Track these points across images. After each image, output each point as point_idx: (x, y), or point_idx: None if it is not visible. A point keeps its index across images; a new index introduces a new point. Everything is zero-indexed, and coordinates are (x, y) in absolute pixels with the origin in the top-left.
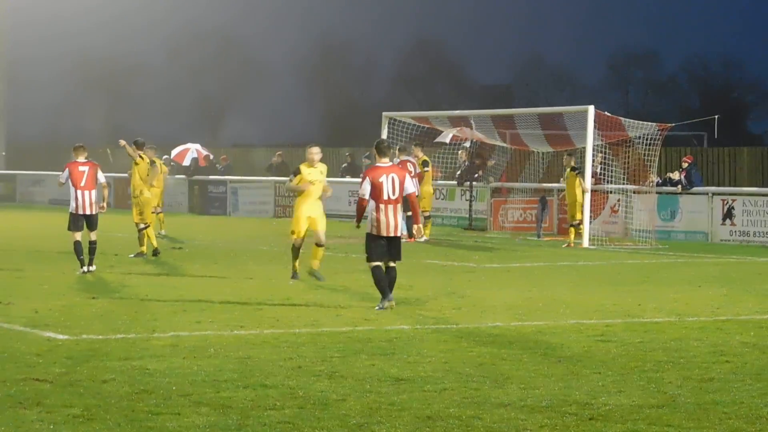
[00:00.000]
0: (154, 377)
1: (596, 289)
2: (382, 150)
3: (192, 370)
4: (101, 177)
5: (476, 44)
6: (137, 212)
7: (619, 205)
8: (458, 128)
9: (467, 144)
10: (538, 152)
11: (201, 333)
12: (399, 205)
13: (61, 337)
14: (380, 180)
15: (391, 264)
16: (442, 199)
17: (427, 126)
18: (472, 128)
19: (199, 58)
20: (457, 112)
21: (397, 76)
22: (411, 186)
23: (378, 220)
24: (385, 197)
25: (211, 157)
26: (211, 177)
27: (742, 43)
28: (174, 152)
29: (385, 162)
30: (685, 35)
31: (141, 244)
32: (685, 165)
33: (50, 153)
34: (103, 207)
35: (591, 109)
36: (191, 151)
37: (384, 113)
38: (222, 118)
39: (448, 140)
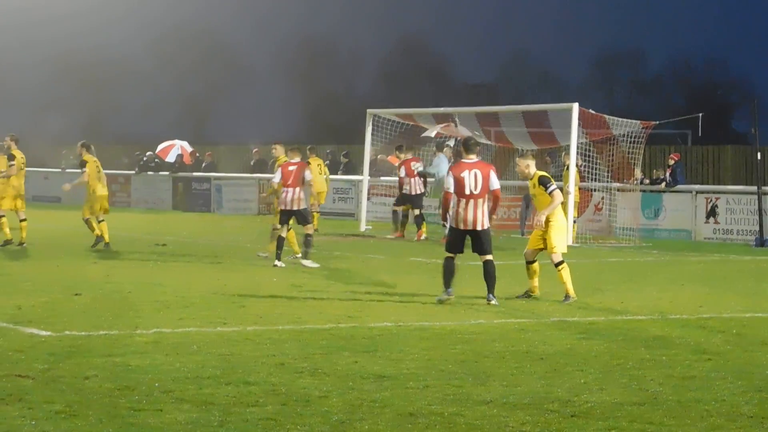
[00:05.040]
0: (137, 374)
1: (579, 286)
2: (468, 147)
3: (174, 366)
4: (308, 175)
5: (461, 42)
6: None
7: (603, 203)
8: (444, 124)
9: (451, 142)
10: (522, 150)
11: (184, 330)
12: (482, 200)
13: (43, 333)
14: (462, 175)
15: (486, 258)
16: (426, 197)
17: (411, 123)
18: (456, 125)
19: (185, 57)
20: (441, 110)
21: (381, 73)
22: (496, 182)
23: (457, 214)
24: (467, 192)
25: (197, 154)
26: (195, 174)
27: (726, 42)
28: (159, 148)
29: (471, 158)
30: (669, 34)
31: None
32: (671, 162)
33: (33, 150)
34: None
35: (575, 106)
36: (176, 147)
37: (368, 110)
38: (207, 115)
39: (433, 135)
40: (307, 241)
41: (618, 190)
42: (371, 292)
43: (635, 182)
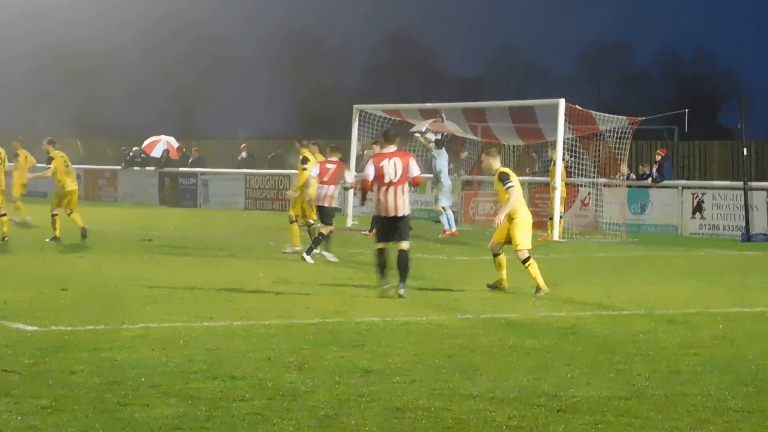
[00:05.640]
0: (124, 368)
1: (566, 281)
2: (388, 138)
3: (161, 361)
4: (348, 176)
5: (449, 36)
6: None
7: (590, 198)
8: (432, 120)
9: (439, 136)
10: (508, 145)
11: (171, 324)
12: (402, 187)
13: (30, 328)
14: (381, 164)
15: (401, 246)
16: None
17: (397, 119)
18: (443, 121)
19: (172, 50)
20: (428, 105)
21: (369, 66)
22: (416, 170)
23: (378, 201)
24: (387, 180)
25: (184, 149)
26: (182, 169)
27: (714, 35)
28: (144, 143)
29: (390, 148)
30: (657, 27)
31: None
32: (658, 158)
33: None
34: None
35: (561, 102)
36: (161, 142)
37: (355, 106)
38: (194, 108)
39: (423, 129)
40: (317, 239)
41: (605, 185)
42: (358, 286)
43: (622, 177)
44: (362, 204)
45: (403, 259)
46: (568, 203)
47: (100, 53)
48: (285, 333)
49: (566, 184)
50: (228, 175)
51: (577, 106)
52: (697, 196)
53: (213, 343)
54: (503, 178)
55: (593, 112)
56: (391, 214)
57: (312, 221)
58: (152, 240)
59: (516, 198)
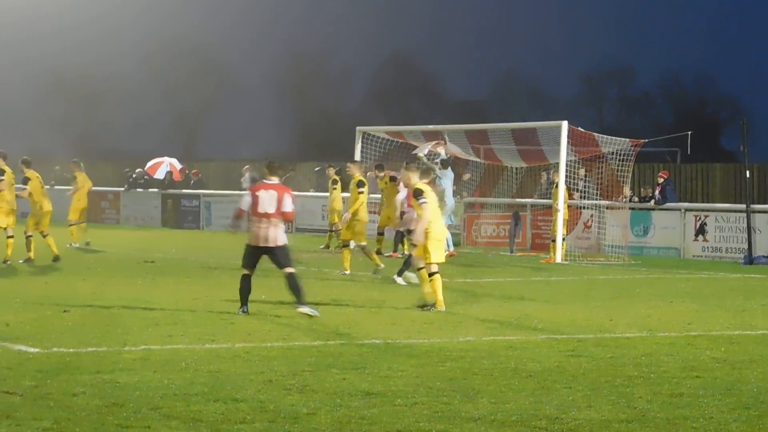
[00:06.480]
0: (125, 391)
1: (568, 304)
2: (271, 169)
3: (163, 383)
4: (400, 196)
5: (451, 59)
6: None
7: (592, 220)
8: (435, 142)
9: (446, 156)
10: (511, 167)
11: (172, 347)
12: (276, 220)
13: (32, 350)
14: (258, 194)
15: (287, 272)
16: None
17: (401, 141)
18: (445, 143)
19: (176, 74)
20: (430, 127)
21: (372, 90)
22: (289, 206)
23: (252, 231)
24: (261, 211)
25: (187, 171)
26: (184, 191)
27: (715, 59)
28: (148, 165)
29: (272, 180)
30: (659, 51)
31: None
32: (660, 180)
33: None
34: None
35: (564, 124)
36: (164, 164)
37: (358, 128)
38: (197, 132)
39: (425, 152)
40: (408, 261)
41: (607, 207)
42: (360, 308)
43: (624, 200)
44: (234, 230)
45: (292, 281)
46: (570, 225)
47: (103, 76)
48: (286, 355)
49: (569, 207)
50: (231, 197)
51: (579, 128)
52: (700, 218)
53: (214, 365)
54: (417, 194)
55: (596, 135)
56: (262, 244)
57: (364, 244)
58: (154, 262)
59: (429, 213)
